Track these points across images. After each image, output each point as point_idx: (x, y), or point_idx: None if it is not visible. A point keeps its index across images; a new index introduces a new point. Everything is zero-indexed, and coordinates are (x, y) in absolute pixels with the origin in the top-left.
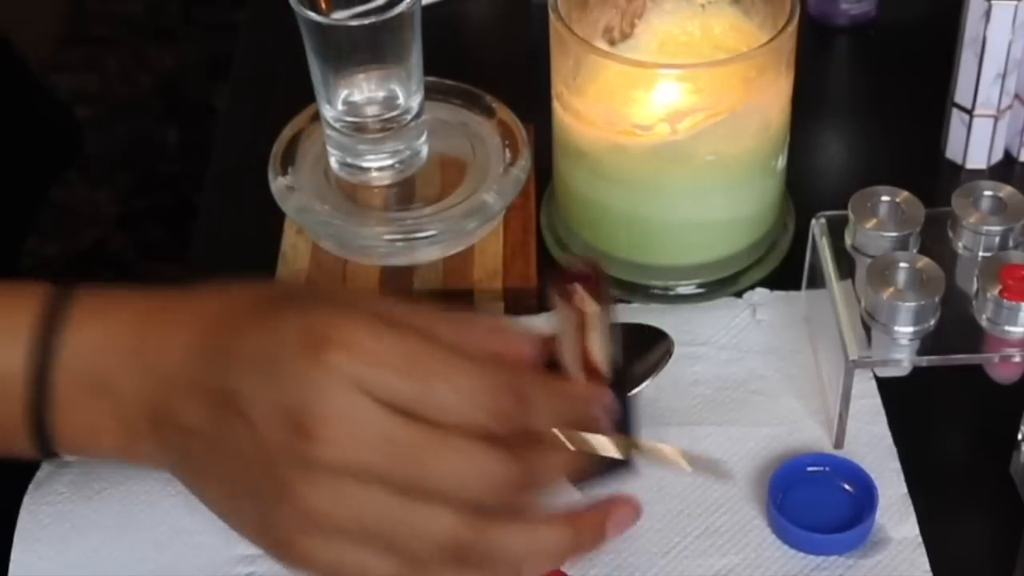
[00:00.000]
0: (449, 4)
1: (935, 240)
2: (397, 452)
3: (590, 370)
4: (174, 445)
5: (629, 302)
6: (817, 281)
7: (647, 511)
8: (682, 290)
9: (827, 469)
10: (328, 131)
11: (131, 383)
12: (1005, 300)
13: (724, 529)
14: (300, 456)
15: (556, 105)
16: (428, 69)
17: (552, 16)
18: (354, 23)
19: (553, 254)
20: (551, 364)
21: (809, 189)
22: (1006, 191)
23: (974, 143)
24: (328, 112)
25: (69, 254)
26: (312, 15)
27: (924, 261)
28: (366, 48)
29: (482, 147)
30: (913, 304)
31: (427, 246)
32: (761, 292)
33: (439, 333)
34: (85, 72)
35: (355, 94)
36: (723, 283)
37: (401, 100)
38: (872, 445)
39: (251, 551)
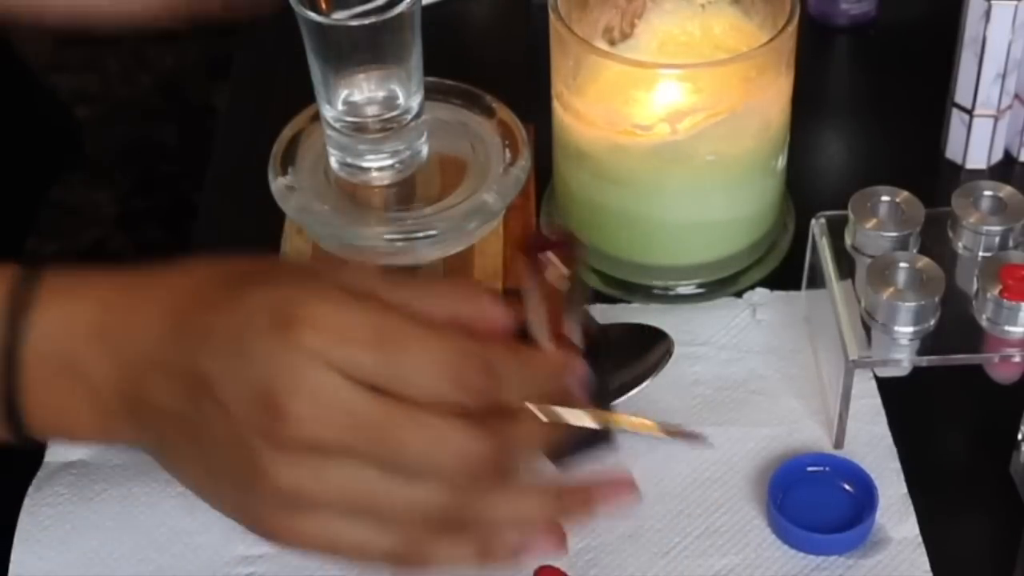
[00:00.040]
0: (449, 4)
1: (935, 240)
2: (367, 429)
3: (562, 340)
4: (149, 426)
5: (629, 302)
6: (817, 281)
7: (647, 511)
8: (682, 290)
9: (827, 469)
10: (328, 131)
11: (100, 365)
12: (1005, 300)
13: (724, 529)
14: (271, 436)
15: (556, 105)
16: (428, 69)
17: (552, 16)
18: (354, 23)
19: None
20: (523, 334)
21: (809, 189)
22: (1006, 191)
23: (974, 143)
24: (328, 112)
25: (69, 254)
26: (312, 15)
27: (924, 261)
28: (366, 48)
29: (482, 147)
30: (913, 304)
31: (427, 246)
32: (761, 292)
33: (409, 304)
34: (85, 72)
35: (355, 94)
36: (723, 283)
37: (401, 100)
38: (872, 445)
39: (251, 552)
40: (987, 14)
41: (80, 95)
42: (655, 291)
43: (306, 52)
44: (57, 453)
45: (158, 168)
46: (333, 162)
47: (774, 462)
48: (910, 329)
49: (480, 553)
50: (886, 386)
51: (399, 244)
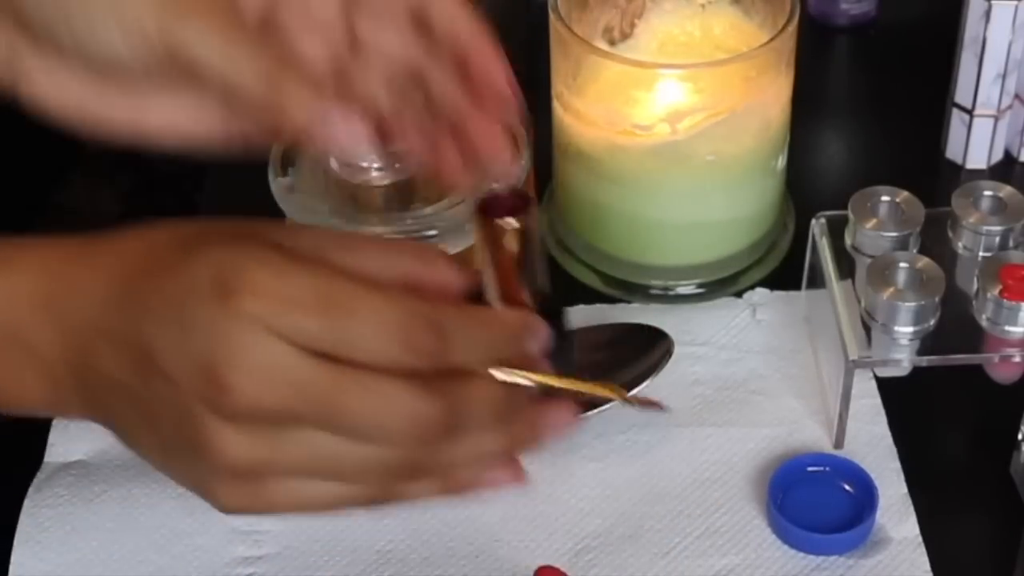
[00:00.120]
0: None
1: (935, 240)
2: (313, 397)
3: (514, 301)
4: (99, 397)
5: (629, 302)
6: (817, 281)
7: (647, 511)
8: (682, 290)
9: (827, 469)
10: None
11: (45, 334)
12: (1005, 300)
13: (724, 529)
14: (217, 408)
15: (556, 105)
16: None
17: (552, 16)
18: None
19: (553, 254)
20: (480, 298)
21: (809, 189)
22: (1006, 191)
23: (974, 143)
24: None
25: None
26: None
27: (924, 261)
28: None
29: None
30: (913, 304)
31: None
32: (761, 292)
33: (359, 266)
34: None
35: None
36: (723, 283)
37: None
38: (872, 445)
39: (251, 552)
40: (987, 14)
41: None
42: (655, 291)
43: None
44: (57, 454)
45: (158, 168)
46: (333, 162)
47: (774, 462)
48: (910, 329)
49: (442, 490)
50: (886, 386)
51: None
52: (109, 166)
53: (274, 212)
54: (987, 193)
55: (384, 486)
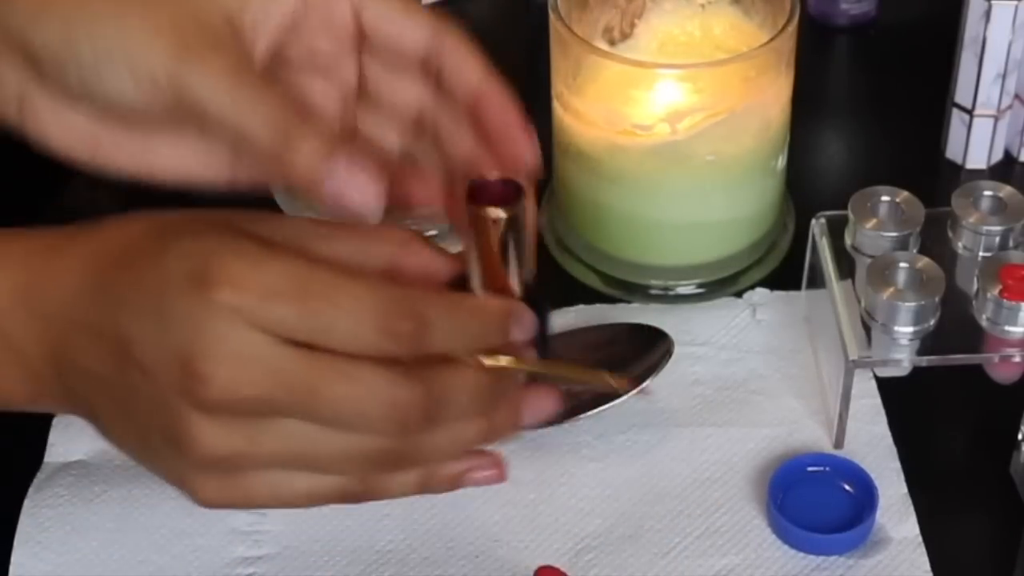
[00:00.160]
0: (449, 4)
1: (935, 240)
2: (291, 386)
3: (498, 289)
4: (79, 392)
5: (629, 302)
6: (817, 281)
7: (647, 511)
8: (682, 290)
9: (827, 469)
10: None
11: (22, 327)
12: (1005, 300)
13: (724, 529)
14: (195, 400)
15: (556, 105)
16: None
17: (552, 16)
18: None
19: (553, 254)
20: (463, 283)
21: (809, 189)
22: (1006, 191)
23: (974, 143)
24: None
25: None
26: None
27: (924, 261)
28: None
29: None
30: (913, 304)
31: None
32: (761, 292)
33: (334, 255)
34: None
35: None
36: (723, 283)
37: None
38: (872, 445)
39: (251, 553)
40: (987, 14)
41: None
42: (655, 291)
43: None
44: (57, 454)
45: None
46: None
47: (774, 462)
48: (910, 329)
49: (422, 484)
50: (886, 386)
51: None
52: None
53: (274, 212)
54: (987, 193)
55: (364, 478)
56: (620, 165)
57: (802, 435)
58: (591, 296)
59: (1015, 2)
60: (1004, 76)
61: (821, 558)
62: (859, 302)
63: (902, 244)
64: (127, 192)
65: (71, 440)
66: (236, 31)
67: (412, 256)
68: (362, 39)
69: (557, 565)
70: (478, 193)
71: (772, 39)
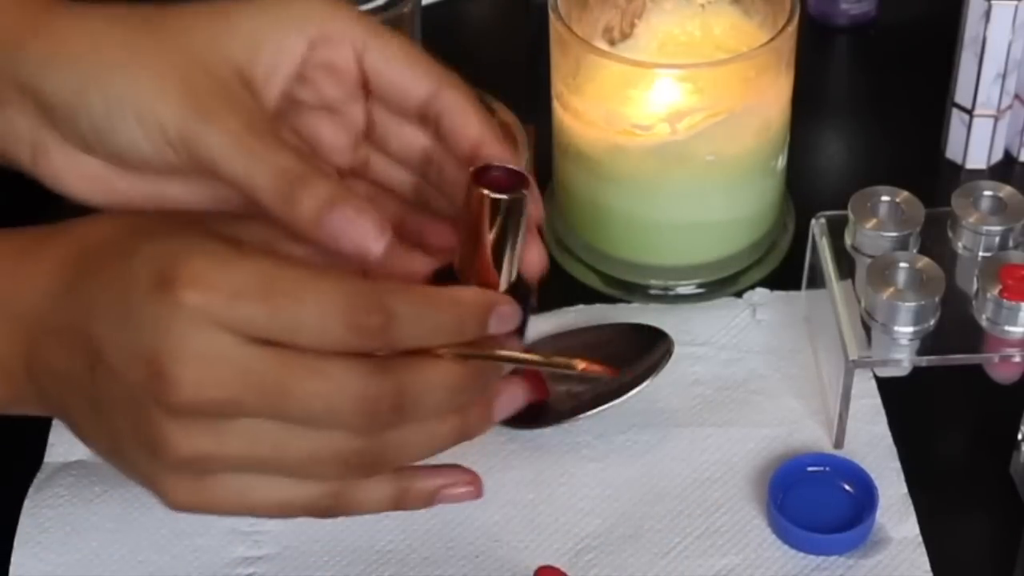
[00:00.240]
0: (449, 4)
1: (935, 240)
2: (260, 385)
3: (483, 274)
4: (52, 394)
5: (629, 302)
6: (817, 281)
7: (647, 511)
8: (682, 290)
9: (827, 469)
10: None
11: None
12: (1005, 300)
13: (724, 529)
14: (164, 403)
15: (556, 105)
16: None
17: (552, 16)
18: None
19: (553, 254)
20: (448, 270)
21: (809, 189)
22: (1006, 191)
23: (974, 143)
24: None
25: None
26: None
27: (924, 261)
28: None
29: None
30: (913, 304)
31: None
32: (761, 292)
33: (305, 255)
34: None
35: None
36: (723, 283)
37: None
38: (872, 445)
39: (251, 553)
40: (987, 14)
41: None
42: (655, 291)
43: None
44: (57, 454)
45: None
46: None
47: (774, 462)
48: (910, 329)
49: (397, 499)
50: (886, 386)
51: None
52: None
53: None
54: (987, 193)
55: (336, 490)
56: (620, 165)
57: (802, 435)
58: (591, 296)
59: (1015, 2)
60: (1004, 76)
61: (821, 558)
62: (859, 302)
63: (902, 244)
64: None
65: (71, 440)
66: (247, 82)
67: (391, 252)
68: (366, 84)
69: (557, 565)
70: (482, 177)
71: (772, 39)
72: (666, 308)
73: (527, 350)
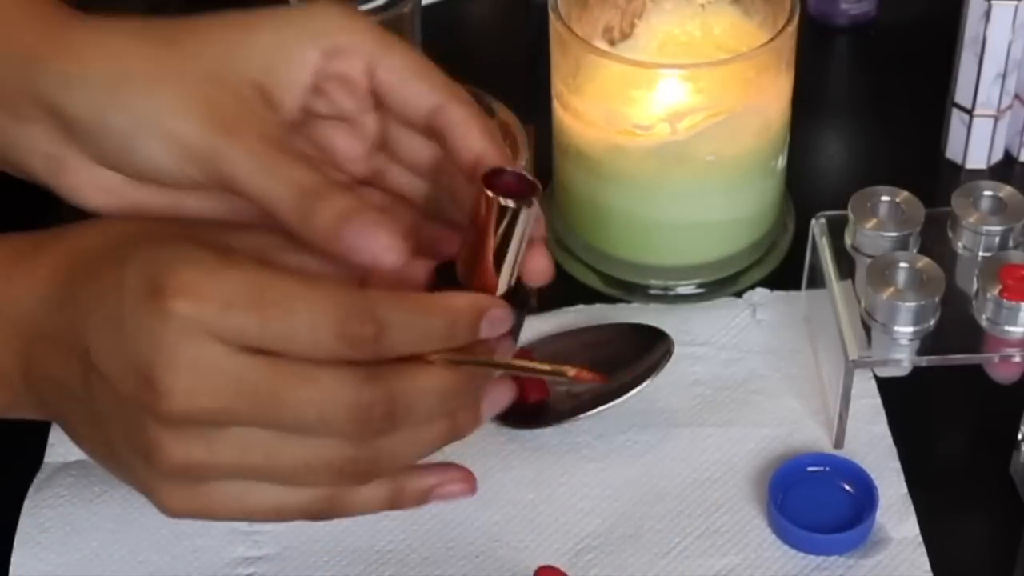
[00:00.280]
0: (449, 4)
1: (935, 240)
2: (251, 395)
3: (482, 278)
4: (49, 401)
5: (629, 302)
6: (817, 281)
7: (647, 511)
8: (682, 290)
9: (827, 469)
10: None
11: None
12: (1005, 300)
13: (724, 529)
14: (156, 412)
15: (556, 105)
16: None
17: (552, 16)
18: None
19: (553, 254)
20: (450, 270)
21: (809, 189)
22: (1006, 191)
23: (974, 143)
24: None
25: None
26: None
27: (924, 261)
28: None
29: None
30: (913, 304)
31: None
32: (761, 292)
33: (298, 265)
34: None
35: None
36: (723, 283)
37: None
38: (872, 445)
39: (251, 553)
40: (987, 14)
41: None
42: (655, 291)
43: None
44: (57, 454)
45: None
46: None
47: (774, 462)
48: (910, 329)
49: (391, 499)
50: (886, 386)
51: None
52: None
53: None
54: (987, 193)
55: (330, 494)
56: (620, 165)
57: (802, 435)
58: (591, 296)
59: (1015, 2)
60: (1004, 76)
61: (821, 558)
62: (859, 302)
63: (902, 244)
64: None
65: (71, 440)
66: (266, 95)
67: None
68: (378, 96)
69: (557, 565)
70: (493, 181)
71: (772, 39)
72: (666, 308)
73: (523, 353)
